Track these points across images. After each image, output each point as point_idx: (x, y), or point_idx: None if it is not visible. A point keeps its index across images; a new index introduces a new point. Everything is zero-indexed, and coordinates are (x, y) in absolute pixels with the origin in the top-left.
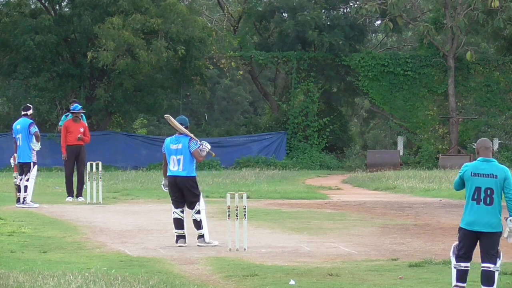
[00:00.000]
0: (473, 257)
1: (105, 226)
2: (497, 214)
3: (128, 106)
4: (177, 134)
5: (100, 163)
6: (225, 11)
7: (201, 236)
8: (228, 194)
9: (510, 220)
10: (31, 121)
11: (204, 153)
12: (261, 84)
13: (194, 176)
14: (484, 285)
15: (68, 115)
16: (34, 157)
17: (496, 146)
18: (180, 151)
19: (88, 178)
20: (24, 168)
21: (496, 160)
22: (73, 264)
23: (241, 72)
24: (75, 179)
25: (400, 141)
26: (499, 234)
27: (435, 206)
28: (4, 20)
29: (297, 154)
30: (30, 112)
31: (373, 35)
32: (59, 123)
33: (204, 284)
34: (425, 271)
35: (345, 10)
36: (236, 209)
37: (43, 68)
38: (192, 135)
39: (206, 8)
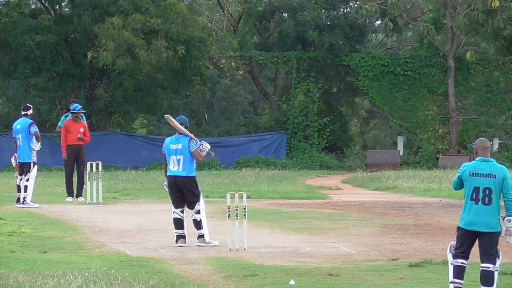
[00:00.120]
0: (471, 257)
1: (105, 226)
2: (495, 214)
3: (128, 106)
4: (177, 134)
5: (100, 163)
6: (225, 11)
7: (201, 236)
8: (228, 194)
9: (508, 220)
10: (31, 121)
11: (204, 153)
12: (261, 84)
13: (194, 176)
14: (483, 285)
15: (67, 115)
16: (34, 157)
17: (496, 146)
18: (180, 151)
19: (88, 178)
20: (24, 168)
21: (494, 160)
22: (73, 264)
23: (241, 72)
24: (75, 179)
25: (400, 141)
26: (497, 234)
27: (435, 206)
28: (4, 20)
29: (297, 154)
30: (30, 112)
31: (373, 35)
32: (59, 124)
33: (204, 284)
34: (425, 271)
35: (345, 10)
36: (236, 209)
37: (43, 68)
38: (192, 135)
39: (206, 8)
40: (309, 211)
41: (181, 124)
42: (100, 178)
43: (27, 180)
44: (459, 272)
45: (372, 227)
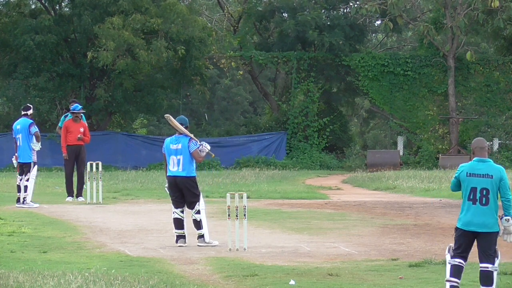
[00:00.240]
0: (471, 257)
1: (105, 226)
2: (493, 214)
3: (128, 106)
4: (177, 134)
5: (100, 163)
6: (225, 11)
7: (201, 236)
8: (228, 194)
9: (505, 220)
10: (31, 121)
11: (204, 154)
12: (261, 84)
13: (194, 176)
14: (483, 285)
15: (67, 115)
16: (34, 157)
17: (496, 146)
18: (179, 151)
19: (88, 178)
20: (24, 168)
21: (491, 160)
22: (73, 264)
23: (241, 72)
24: (75, 179)
25: (400, 141)
26: (495, 234)
27: (435, 206)
28: (4, 20)
29: (297, 154)
30: (30, 112)
31: (373, 35)
32: (59, 124)
33: (204, 284)
34: (425, 271)
35: (345, 10)
36: (236, 209)
37: (43, 68)
38: (192, 135)
39: (206, 8)
40: (309, 211)
41: (181, 124)
42: (100, 178)
43: (27, 180)
44: (456, 271)
45: (372, 227)
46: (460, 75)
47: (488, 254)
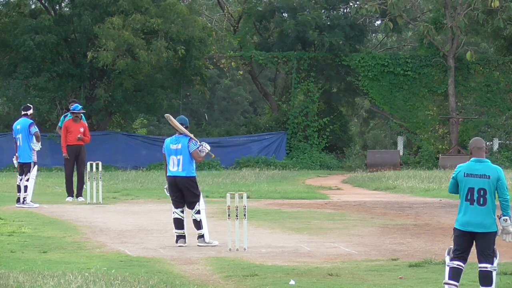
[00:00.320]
0: (471, 256)
1: (105, 226)
2: (491, 214)
3: (128, 106)
4: (177, 134)
5: (100, 163)
6: (225, 11)
7: (201, 236)
8: (228, 194)
9: (504, 220)
10: (31, 121)
11: (203, 154)
12: (261, 84)
13: (194, 176)
14: (482, 285)
15: (67, 115)
16: (34, 157)
17: (496, 146)
18: (179, 151)
19: (88, 178)
20: (24, 168)
21: (489, 160)
22: (73, 264)
23: (241, 72)
24: (75, 179)
25: (400, 141)
26: (494, 233)
27: (435, 206)
28: (4, 20)
29: (297, 154)
30: (30, 112)
31: (373, 35)
32: (58, 124)
33: (204, 284)
34: (425, 271)
35: (345, 10)
36: (236, 209)
37: (43, 68)
38: (192, 136)
39: (206, 8)
40: (309, 211)
41: (181, 124)
42: (100, 178)
43: (27, 180)
44: (454, 274)
45: (372, 227)
46: (460, 75)
47: (486, 254)
